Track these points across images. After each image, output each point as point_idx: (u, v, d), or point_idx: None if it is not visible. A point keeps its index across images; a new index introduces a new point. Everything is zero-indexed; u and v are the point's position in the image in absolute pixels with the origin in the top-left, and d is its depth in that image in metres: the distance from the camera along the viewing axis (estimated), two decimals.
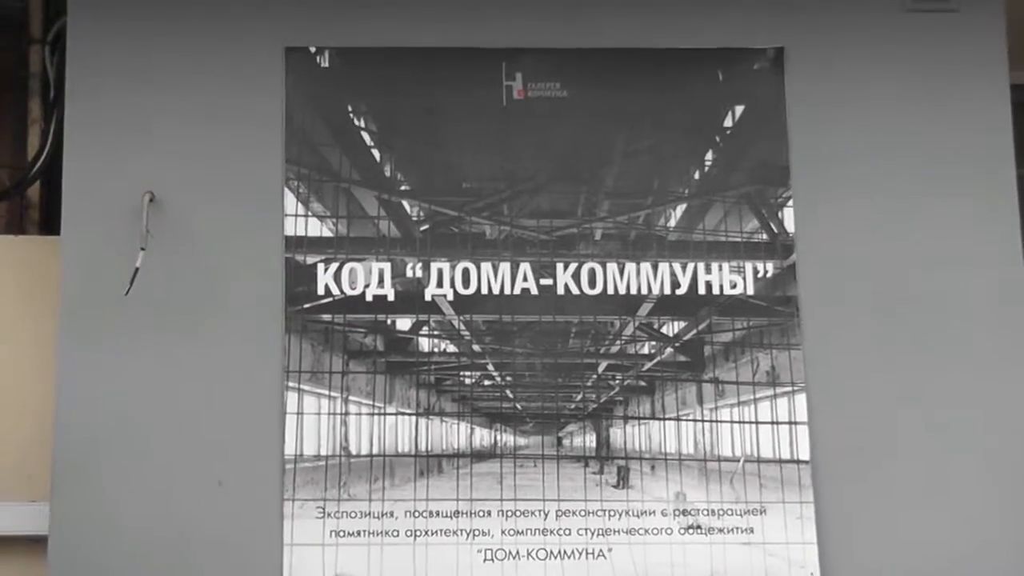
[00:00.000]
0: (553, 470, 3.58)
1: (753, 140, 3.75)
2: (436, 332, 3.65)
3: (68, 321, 3.55)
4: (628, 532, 3.53)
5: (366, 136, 3.73)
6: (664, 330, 3.67)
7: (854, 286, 3.66)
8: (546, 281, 3.66)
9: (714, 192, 3.73)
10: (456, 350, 3.65)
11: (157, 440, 3.51)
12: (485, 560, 3.49)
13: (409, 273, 3.65)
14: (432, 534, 3.50)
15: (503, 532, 3.51)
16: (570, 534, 3.52)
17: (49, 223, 4.05)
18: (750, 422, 3.61)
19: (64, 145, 3.67)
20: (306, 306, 3.61)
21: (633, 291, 3.67)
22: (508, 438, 3.61)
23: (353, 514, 3.50)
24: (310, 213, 3.66)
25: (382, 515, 3.51)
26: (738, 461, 3.59)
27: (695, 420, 3.62)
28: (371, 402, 3.59)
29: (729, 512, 3.55)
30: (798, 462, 3.57)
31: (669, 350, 3.67)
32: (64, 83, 3.72)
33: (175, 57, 3.72)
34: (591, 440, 3.62)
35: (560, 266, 3.67)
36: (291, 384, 3.55)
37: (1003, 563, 3.55)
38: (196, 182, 3.65)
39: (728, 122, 3.77)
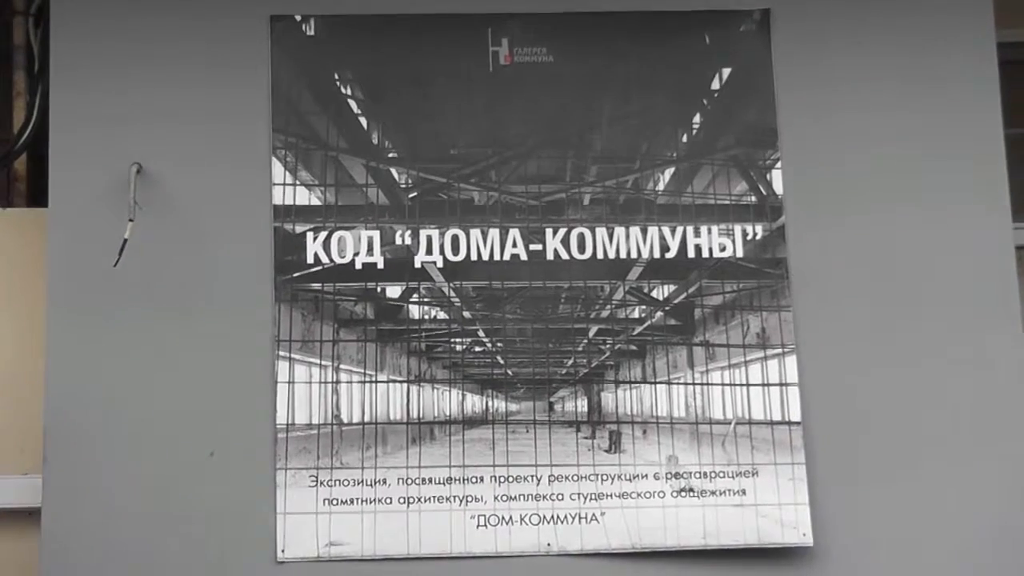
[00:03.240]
0: (545, 435, 3.58)
1: (740, 102, 3.75)
2: (426, 299, 3.65)
3: (57, 293, 3.54)
4: (621, 496, 3.54)
5: (353, 104, 3.72)
6: (654, 294, 3.67)
7: (843, 246, 3.66)
8: (535, 247, 3.66)
9: (702, 155, 3.73)
10: (446, 317, 3.65)
11: (148, 411, 3.50)
12: (478, 526, 3.50)
13: (398, 240, 3.65)
14: (425, 501, 3.51)
15: (496, 498, 3.52)
16: (563, 499, 3.53)
17: (36, 196, 4.04)
18: (741, 384, 3.62)
19: (50, 117, 3.66)
20: (295, 275, 3.60)
21: (623, 255, 3.67)
22: (500, 404, 3.61)
23: (346, 482, 3.50)
24: (298, 182, 3.65)
25: (375, 483, 3.51)
26: (729, 423, 3.60)
27: (686, 383, 3.63)
28: (362, 370, 3.59)
29: (721, 474, 3.56)
30: (789, 423, 3.58)
31: (659, 314, 3.67)
32: (48, 55, 3.70)
33: (160, 28, 3.70)
34: (583, 405, 3.63)
35: (549, 231, 3.67)
36: (282, 353, 3.55)
37: (993, 521, 3.56)
38: (183, 153, 3.64)
39: (715, 85, 3.76)
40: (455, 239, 3.65)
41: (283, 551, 3.45)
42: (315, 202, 3.65)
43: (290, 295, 3.59)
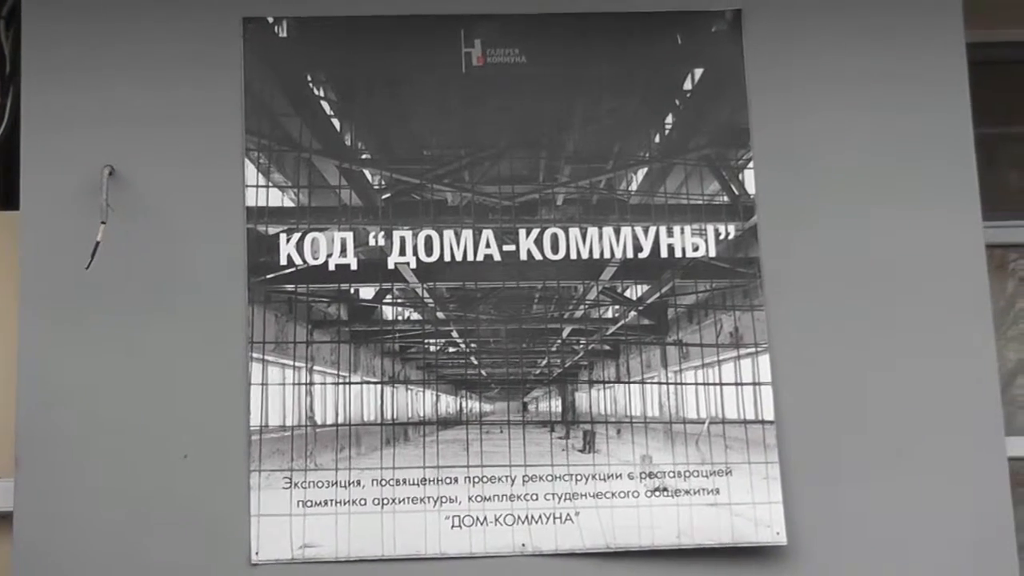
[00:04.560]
0: (519, 436, 3.58)
1: (713, 102, 3.76)
2: (400, 300, 3.65)
3: (28, 296, 3.53)
4: (595, 496, 3.54)
5: (326, 105, 3.72)
6: (627, 294, 3.68)
7: (816, 246, 3.68)
8: (509, 247, 3.66)
9: (675, 155, 3.73)
10: (420, 318, 3.65)
11: (121, 414, 3.49)
12: (453, 527, 3.50)
13: (371, 242, 3.65)
14: (399, 502, 3.50)
15: (470, 499, 3.52)
16: (537, 499, 3.53)
17: (8, 198, 4.02)
18: (714, 384, 3.63)
19: (21, 120, 3.65)
20: (269, 276, 3.60)
21: (596, 255, 3.67)
22: (474, 405, 3.61)
23: (320, 484, 3.50)
24: (271, 183, 3.65)
25: (349, 484, 3.50)
26: (703, 423, 3.61)
27: (660, 383, 3.63)
28: (336, 371, 3.59)
29: (695, 474, 3.56)
30: (763, 422, 3.58)
31: (633, 314, 3.67)
32: (20, 57, 3.69)
33: (132, 29, 3.69)
34: (556, 405, 3.63)
35: (522, 232, 3.67)
36: (255, 355, 3.55)
37: (966, 520, 3.57)
38: (156, 155, 3.63)
39: (687, 85, 3.77)
40: (428, 240, 3.65)
41: (257, 553, 3.44)
42: (288, 204, 3.65)
43: (263, 296, 3.58)
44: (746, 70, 3.76)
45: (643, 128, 3.75)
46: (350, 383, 3.58)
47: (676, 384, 3.63)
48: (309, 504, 3.48)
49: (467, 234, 3.66)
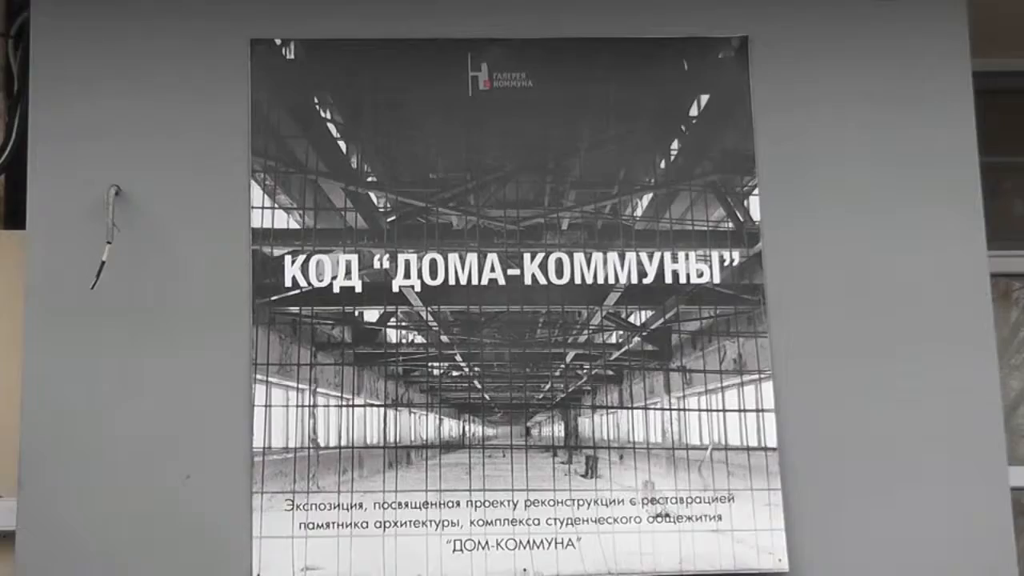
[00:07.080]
0: (522, 460, 3.58)
1: (718, 129, 3.77)
2: (404, 323, 3.65)
3: (34, 315, 3.54)
4: (597, 521, 3.54)
5: (332, 128, 3.73)
6: (631, 319, 3.68)
7: (820, 273, 3.68)
8: (513, 271, 3.67)
9: (680, 181, 3.74)
10: (424, 341, 3.65)
11: (125, 434, 3.49)
12: (454, 551, 3.49)
13: (376, 264, 3.65)
14: (401, 525, 3.50)
15: (472, 522, 3.51)
16: (539, 524, 3.52)
17: (14, 217, 4.02)
18: (718, 410, 3.63)
19: (28, 139, 3.66)
20: (273, 298, 3.60)
21: (600, 280, 3.68)
22: (476, 428, 3.61)
23: (322, 506, 3.50)
24: (277, 205, 3.65)
25: (351, 507, 3.50)
26: (706, 449, 3.60)
27: (663, 409, 3.63)
28: (339, 394, 3.59)
29: (697, 500, 3.56)
30: (766, 449, 3.58)
31: (636, 339, 3.67)
32: (28, 77, 3.71)
33: (140, 51, 3.71)
34: (559, 430, 3.63)
35: (527, 256, 3.68)
36: (259, 376, 3.55)
37: (967, 547, 3.57)
38: (162, 176, 3.64)
39: (693, 111, 3.78)
40: (433, 263, 3.66)
41: (259, 574, 3.43)
42: (293, 225, 3.65)
43: (268, 318, 3.58)
44: (752, 97, 3.77)
45: (649, 153, 3.76)
46: (353, 406, 3.59)
47: (679, 410, 3.63)
48: (311, 526, 3.48)
49: (472, 258, 3.66)
